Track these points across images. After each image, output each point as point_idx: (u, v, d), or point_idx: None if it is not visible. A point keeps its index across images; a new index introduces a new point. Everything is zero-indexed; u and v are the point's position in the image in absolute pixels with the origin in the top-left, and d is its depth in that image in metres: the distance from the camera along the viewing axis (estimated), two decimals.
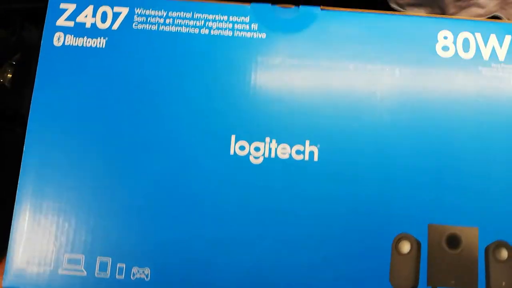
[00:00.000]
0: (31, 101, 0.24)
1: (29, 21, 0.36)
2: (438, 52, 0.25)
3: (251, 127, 0.24)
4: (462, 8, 0.32)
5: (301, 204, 0.23)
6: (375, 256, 0.23)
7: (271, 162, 0.24)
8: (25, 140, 0.24)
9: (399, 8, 0.33)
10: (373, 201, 0.23)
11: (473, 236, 0.23)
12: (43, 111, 0.24)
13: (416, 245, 0.23)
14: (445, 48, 0.25)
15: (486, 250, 0.23)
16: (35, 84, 0.24)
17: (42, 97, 0.24)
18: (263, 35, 0.25)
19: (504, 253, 0.23)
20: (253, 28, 0.25)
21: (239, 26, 0.25)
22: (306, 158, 0.24)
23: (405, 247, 0.23)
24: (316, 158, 0.24)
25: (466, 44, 0.25)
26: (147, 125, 0.24)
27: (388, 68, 0.25)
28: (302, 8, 0.25)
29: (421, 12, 0.33)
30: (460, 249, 0.23)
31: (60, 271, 0.23)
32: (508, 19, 0.31)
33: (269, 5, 0.25)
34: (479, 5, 0.31)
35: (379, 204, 0.23)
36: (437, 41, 0.25)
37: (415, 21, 0.25)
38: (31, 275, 0.23)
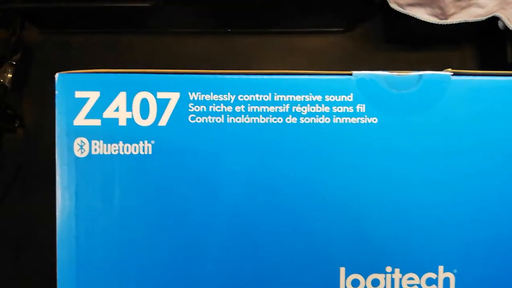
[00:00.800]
0: (57, 234, 0.17)
1: (29, 21, 0.36)
2: None
3: (365, 255, 0.18)
4: (462, 8, 0.31)
5: None
6: None
7: None
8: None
9: (399, 8, 0.31)
10: None
11: None
12: (69, 241, 0.17)
13: None
14: None
15: None
16: (57, 206, 0.17)
17: (68, 221, 0.17)
18: (374, 120, 0.18)
19: None
20: (360, 111, 0.18)
21: (340, 109, 0.18)
22: None
23: None
24: (452, 287, 0.18)
25: None
26: (223, 255, 0.17)
27: None
28: (426, 76, 0.18)
29: (421, 12, 0.32)
30: None
31: None
32: (508, 19, 0.30)
33: (379, 75, 0.18)
34: (479, 5, 0.31)
35: None
36: None
37: None
38: None
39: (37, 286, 0.37)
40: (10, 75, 0.35)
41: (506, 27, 0.30)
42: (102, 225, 0.17)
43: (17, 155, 0.37)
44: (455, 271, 0.18)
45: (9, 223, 0.37)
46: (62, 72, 0.17)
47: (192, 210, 0.17)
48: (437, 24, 0.32)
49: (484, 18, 0.31)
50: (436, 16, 0.32)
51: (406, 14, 0.32)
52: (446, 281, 0.18)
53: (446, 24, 0.32)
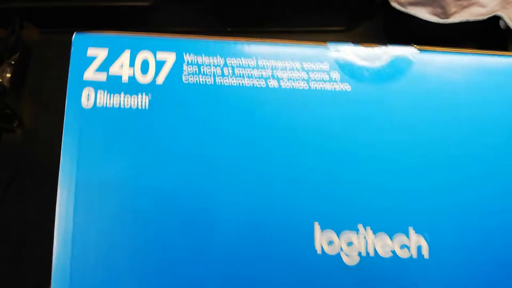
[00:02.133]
0: (59, 173, 0.19)
1: (28, 20, 0.35)
2: None
3: (338, 212, 0.19)
4: (463, 7, 0.31)
5: None
6: None
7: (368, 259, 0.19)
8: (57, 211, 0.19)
9: (400, 7, 0.31)
10: None
11: None
12: (70, 184, 0.19)
13: None
14: None
15: None
16: (62, 152, 0.19)
17: (69, 167, 0.19)
18: (348, 87, 0.20)
19: None
20: (334, 78, 0.20)
21: (316, 76, 0.20)
22: (414, 255, 0.19)
23: None
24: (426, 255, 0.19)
25: None
26: (201, 206, 0.19)
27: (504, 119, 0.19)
28: (394, 50, 0.20)
29: (422, 11, 0.31)
30: None
31: None
32: (510, 18, 0.30)
33: (352, 47, 0.20)
34: (480, 4, 0.31)
35: None
36: None
37: None
38: None
39: (37, 286, 0.37)
40: (9, 75, 0.34)
41: (507, 27, 0.30)
42: (101, 174, 0.19)
43: (16, 155, 0.37)
44: (426, 235, 0.19)
45: (8, 223, 0.37)
46: (78, 32, 0.20)
47: (182, 161, 0.19)
48: (438, 23, 0.32)
49: (485, 17, 0.31)
50: (437, 15, 0.32)
51: (407, 13, 0.31)
52: (419, 248, 0.19)
53: (447, 23, 0.31)
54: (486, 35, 0.35)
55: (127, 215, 0.19)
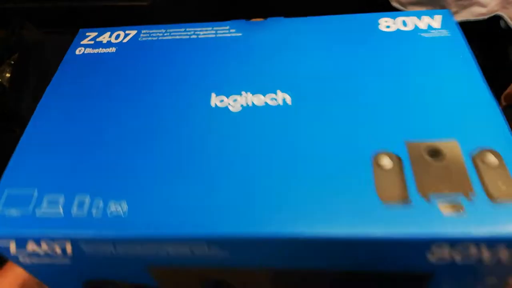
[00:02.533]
0: (44, 95, 0.29)
1: (28, 21, 0.38)
2: (381, 29, 0.30)
3: (228, 83, 0.28)
4: (464, 7, 0.34)
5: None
6: (356, 174, 0.22)
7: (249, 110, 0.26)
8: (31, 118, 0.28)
9: (401, 7, 0.36)
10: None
11: (454, 148, 0.23)
12: (52, 104, 0.29)
13: (397, 160, 0.23)
14: (387, 27, 0.30)
15: (473, 159, 0.22)
16: (51, 82, 0.30)
17: (57, 91, 0.29)
18: (240, 34, 0.31)
19: (492, 159, 0.22)
20: (232, 31, 0.32)
21: (220, 31, 0.32)
22: (281, 103, 0.26)
23: (387, 162, 0.23)
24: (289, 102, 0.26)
25: (404, 23, 0.30)
26: (143, 105, 0.28)
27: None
28: (269, 18, 0.33)
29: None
30: (445, 161, 0.23)
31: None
32: (510, 18, 0.31)
33: (244, 20, 0.33)
34: (481, 4, 0.33)
35: (353, 128, 0.24)
36: (379, 23, 0.31)
37: (356, 16, 0.32)
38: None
39: None
40: (9, 75, 0.35)
41: (507, 26, 0.31)
42: (78, 89, 0.29)
43: None
44: (290, 92, 0.26)
45: None
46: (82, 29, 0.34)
47: (135, 79, 0.29)
48: None
49: (486, 17, 0.31)
50: None
51: None
52: (285, 100, 0.26)
53: None
54: (486, 35, 0.35)
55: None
